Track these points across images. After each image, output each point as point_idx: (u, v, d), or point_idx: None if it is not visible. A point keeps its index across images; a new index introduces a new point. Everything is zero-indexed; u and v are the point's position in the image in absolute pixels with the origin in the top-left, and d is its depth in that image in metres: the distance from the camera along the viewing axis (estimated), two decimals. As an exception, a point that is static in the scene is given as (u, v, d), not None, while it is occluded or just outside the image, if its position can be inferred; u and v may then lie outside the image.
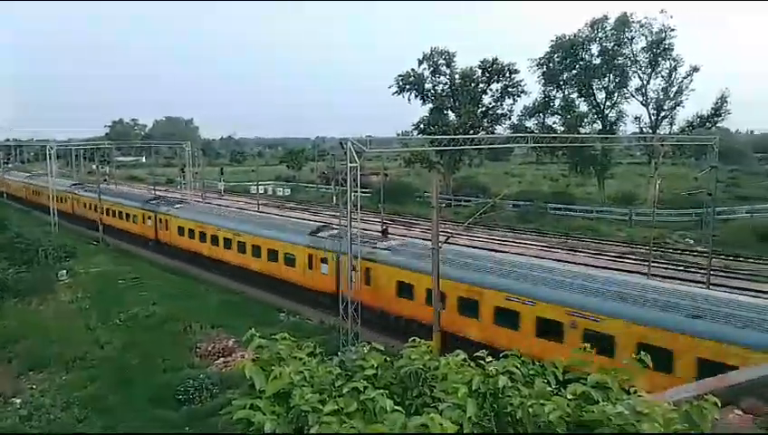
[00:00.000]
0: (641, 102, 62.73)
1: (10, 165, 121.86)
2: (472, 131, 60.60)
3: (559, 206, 59.99)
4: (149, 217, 47.37)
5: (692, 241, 45.66)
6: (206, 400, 21.09)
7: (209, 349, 26.05)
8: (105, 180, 74.65)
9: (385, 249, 28.68)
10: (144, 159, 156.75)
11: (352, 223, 24.64)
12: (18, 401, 22.10)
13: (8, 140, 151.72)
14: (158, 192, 62.27)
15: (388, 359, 4.41)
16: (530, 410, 3.50)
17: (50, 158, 60.86)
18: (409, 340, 4.63)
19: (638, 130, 63.06)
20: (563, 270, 23.77)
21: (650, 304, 19.19)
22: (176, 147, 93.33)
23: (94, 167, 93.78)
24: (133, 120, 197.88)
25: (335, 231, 30.53)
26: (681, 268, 36.49)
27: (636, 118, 63.29)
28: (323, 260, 30.86)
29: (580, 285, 21.26)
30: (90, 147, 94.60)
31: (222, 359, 25.12)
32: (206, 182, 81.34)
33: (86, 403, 21.46)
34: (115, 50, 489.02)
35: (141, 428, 19.42)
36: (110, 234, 52.45)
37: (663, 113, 62.11)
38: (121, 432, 19.42)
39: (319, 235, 32.57)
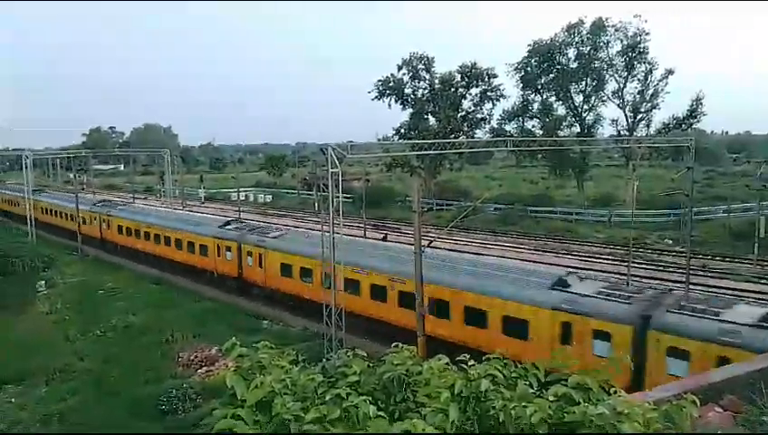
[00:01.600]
0: (618, 105, 63.69)
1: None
2: (452, 136, 60.92)
3: (539, 208, 60.47)
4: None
5: (671, 241, 46.27)
6: (188, 410, 20.86)
7: (191, 358, 25.78)
8: (83, 189, 73.69)
9: (273, 238, 33.70)
10: (123, 167, 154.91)
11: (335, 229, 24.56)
12: (-5, 415, 21.67)
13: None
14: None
15: (371, 364, 4.41)
16: (512, 412, 3.52)
17: (26, 167, 59.89)
18: (392, 345, 4.63)
19: (615, 133, 63.97)
20: (458, 258, 27.80)
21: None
22: (154, 154, 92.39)
23: (71, 176, 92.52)
24: (111, 127, 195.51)
25: (241, 224, 38.18)
26: (660, 268, 36.98)
27: (613, 120, 64.30)
28: (228, 248, 35.63)
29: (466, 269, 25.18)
30: (67, 155, 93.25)
31: (204, 368, 24.87)
32: (186, 190, 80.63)
33: (66, 417, 21.09)
34: (85, 52, 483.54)
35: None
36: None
37: (639, 116, 63.09)
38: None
39: (226, 228, 37.73)
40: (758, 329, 16.55)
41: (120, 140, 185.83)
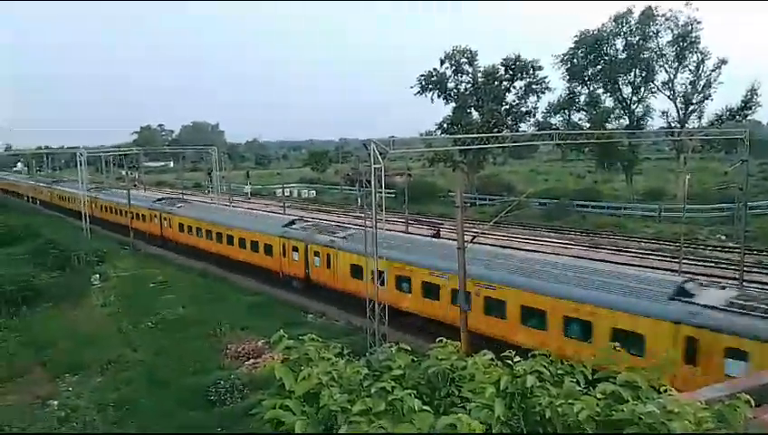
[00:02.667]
0: (668, 97, 61.82)
1: (42, 172, 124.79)
2: (496, 130, 60.26)
3: (586, 203, 59.32)
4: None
5: (724, 237, 44.72)
6: (236, 401, 21.32)
7: (238, 350, 26.33)
8: (135, 185, 75.96)
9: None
10: (172, 164, 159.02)
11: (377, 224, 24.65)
12: (55, 403, 22.61)
13: (40, 147, 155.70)
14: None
15: (415, 359, 4.44)
16: (558, 409, 3.50)
17: (80, 165, 62.08)
18: (436, 340, 4.65)
19: (665, 125, 62.10)
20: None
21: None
22: (202, 151, 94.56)
23: (123, 173, 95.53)
24: (160, 125, 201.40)
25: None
26: (713, 264, 35.81)
27: (663, 112, 62.48)
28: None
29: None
30: (118, 153, 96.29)
31: (251, 360, 25.37)
32: (232, 186, 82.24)
33: (120, 405, 21.88)
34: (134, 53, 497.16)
35: (174, 429, 19.73)
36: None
37: (691, 107, 61.11)
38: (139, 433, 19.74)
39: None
40: None
41: (170, 138, 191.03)
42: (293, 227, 36.70)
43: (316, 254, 33.13)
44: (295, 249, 34.57)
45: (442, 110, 70.01)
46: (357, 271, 29.33)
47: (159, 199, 57.53)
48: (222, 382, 22.24)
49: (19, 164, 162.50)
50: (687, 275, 24.75)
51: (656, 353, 17.17)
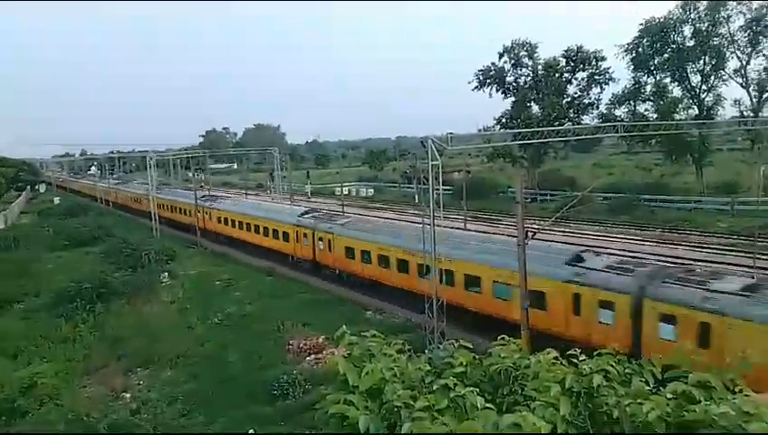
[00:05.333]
0: (741, 84, 58.72)
1: (114, 175, 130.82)
2: (557, 123, 58.88)
3: (654, 197, 57.21)
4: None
5: (803, 230, 42.19)
6: (299, 395, 21.74)
7: (301, 346, 26.82)
8: (201, 187, 78.47)
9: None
10: (235, 166, 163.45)
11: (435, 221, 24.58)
12: (128, 395, 23.70)
13: (112, 152, 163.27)
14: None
15: (476, 357, 4.42)
16: (627, 409, 3.41)
17: (150, 167, 64.70)
18: (498, 338, 4.62)
19: (738, 114, 59.07)
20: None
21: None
22: (265, 153, 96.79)
23: (190, 175, 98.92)
24: (225, 128, 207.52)
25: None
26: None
27: (736, 101, 59.31)
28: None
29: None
30: (186, 156, 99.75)
31: (313, 356, 25.81)
32: (294, 185, 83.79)
33: (189, 398, 22.70)
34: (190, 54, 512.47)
35: (240, 421, 20.33)
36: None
37: (766, 95, 57.85)
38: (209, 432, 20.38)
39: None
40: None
41: (234, 140, 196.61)
42: (306, 216, 42.02)
43: (320, 239, 38.44)
44: (306, 236, 40.15)
45: (500, 103, 69.04)
46: (350, 252, 35.44)
47: (202, 197, 60.61)
48: (285, 377, 22.72)
49: (93, 168, 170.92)
50: (585, 246, 29.04)
51: (554, 307, 22.60)
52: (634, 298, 20.21)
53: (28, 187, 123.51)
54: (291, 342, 27.47)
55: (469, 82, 68.27)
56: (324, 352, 25.79)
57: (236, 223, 51.07)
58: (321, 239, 38.32)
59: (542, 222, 36.63)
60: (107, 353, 27.89)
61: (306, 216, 42.24)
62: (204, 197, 61.13)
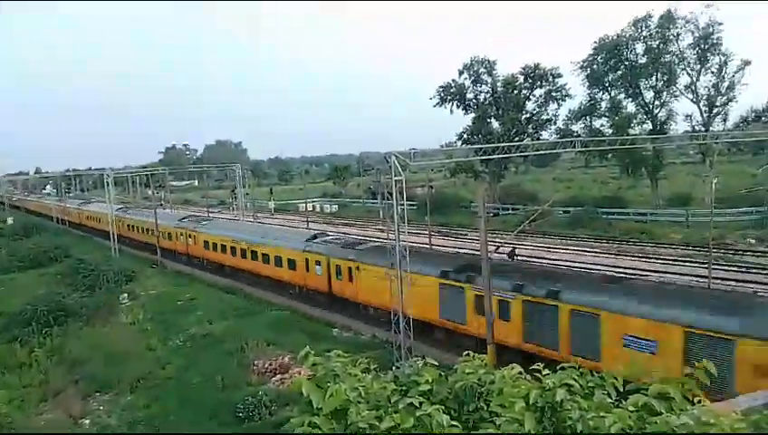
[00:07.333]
0: (692, 100, 60.80)
1: (71, 194, 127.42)
2: (517, 138, 59.89)
3: (611, 209, 58.59)
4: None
5: (753, 241, 43.79)
6: (265, 417, 21.35)
7: (266, 366, 26.37)
8: (161, 204, 77.00)
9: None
10: (197, 183, 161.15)
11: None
12: (87, 422, 22.90)
13: (68, 170, 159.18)
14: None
15: (442, 373, 4.41)
16: (590, 422, 3.45)
17: (108, 185, 63.23)
18: (463, 353, 4.62)
19: (690, 129, 61.15)
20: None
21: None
22: (226, 169, 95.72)
23: (150, 192, 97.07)
24: (185, 145, 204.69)
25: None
26: (743, 269, 35.03)
27: (687, 116, 61.37)
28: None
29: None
30: (145, 173, 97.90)
31: (278, 376, 25.40)
32: (257, 202, 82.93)
33: (150, 422, 22.06)
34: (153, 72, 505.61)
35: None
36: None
37: (715, 110, 60.05)
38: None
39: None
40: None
41: (195, 157, 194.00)
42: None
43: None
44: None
45: (461, 119, 69.86)
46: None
47: (183, 218, 58.15)
48: (250, 398, 22.30)
49: (48, 186, 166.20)
50: (318, 230, 45.07)
51: (297, 266, 36.76)
52: (326, 258, 34.17)
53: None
54: (255, 362, 27.01)
55: (431, 98, 69.15)
56: (290, 371, 25.42)
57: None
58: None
59: (503, 235, 37.06)
60: (65, 378, 26.89)
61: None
62: (187, 217, 57.59)
